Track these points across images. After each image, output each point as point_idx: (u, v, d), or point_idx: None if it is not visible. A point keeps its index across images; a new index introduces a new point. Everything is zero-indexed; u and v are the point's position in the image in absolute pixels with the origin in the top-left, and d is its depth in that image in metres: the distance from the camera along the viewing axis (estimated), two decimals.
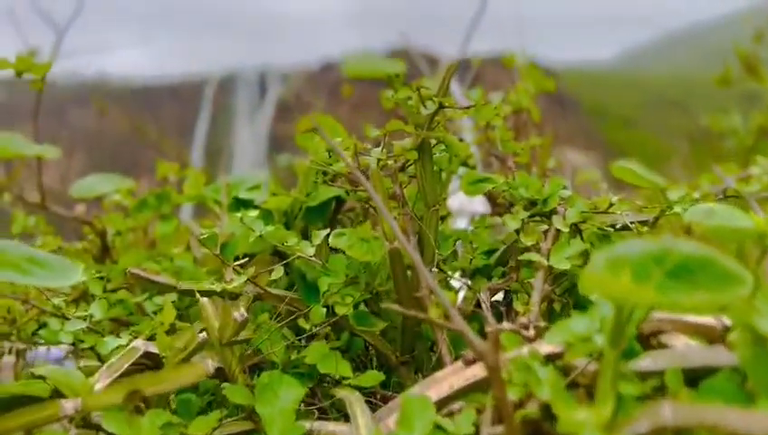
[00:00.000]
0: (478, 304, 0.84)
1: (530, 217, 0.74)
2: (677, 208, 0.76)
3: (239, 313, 0.58)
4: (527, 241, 0.69)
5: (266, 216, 0.91)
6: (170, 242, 1.08)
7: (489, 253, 0.95)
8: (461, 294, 0.94)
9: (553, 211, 0.72)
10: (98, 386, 0.60)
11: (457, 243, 0.96)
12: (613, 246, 0.47)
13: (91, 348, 0.77)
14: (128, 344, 0.70)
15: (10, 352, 0.85)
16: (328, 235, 0.78)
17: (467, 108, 0.72)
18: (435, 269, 0.81)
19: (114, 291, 0.93)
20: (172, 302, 0.90)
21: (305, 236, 1.02)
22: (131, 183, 1.13)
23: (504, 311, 0.81)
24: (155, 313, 0.93)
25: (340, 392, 0.69)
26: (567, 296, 0.84)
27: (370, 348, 0.85)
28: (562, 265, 0.67)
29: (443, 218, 0.93)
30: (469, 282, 0.93)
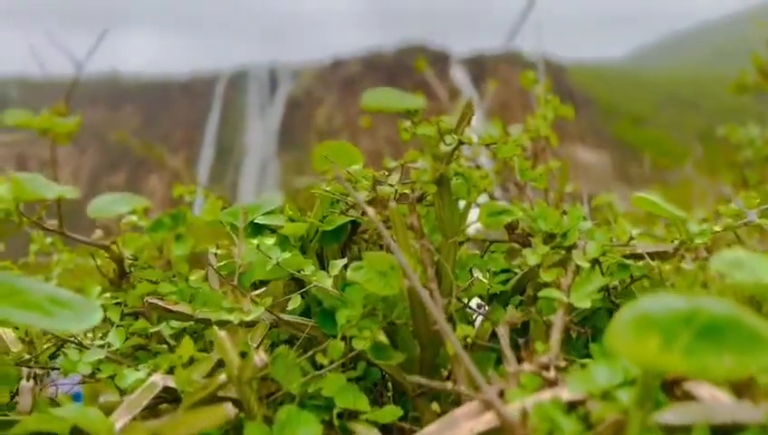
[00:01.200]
0: (495, 333, 0.84)
1: (550, 249, 0.73)
2: (698, 240, 0.75)
3: (259, 357, 0.58)
4: (547, 278, 0.69)
5: (283, 241, 0.91)
6: (186, 261, 1.08)
7: (506, 277, 0.95)
8: (479, 319, 0.93)
9: (573, 246, 0.72)
10: (118, 425, 0.60)
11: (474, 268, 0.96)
12: (639, 303, 0.46)
13: (110, 377, 0.77)
14: (146, 378, 0.70)
15: (28, 377, 0.85)
16: (345, 265, 0.78)
17: (487, 144, 0.71)
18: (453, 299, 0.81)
19: (132, 315, 0.93)
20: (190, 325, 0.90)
21: (321, 257, 1.02)
22: (146, 202, 1.13)
23: (522, 343, 0.80)
24: (172, 337, 0.93)
25: (358, 427, 0.69)
26: (585, 325, 0.84)
27: (387, 377, 0.85)
28: (583, 303, 0.66)
29: (461, 243, 0.92)
30: (486, 307, 0.92)
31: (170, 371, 0.73)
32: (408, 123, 0.72)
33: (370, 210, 0.62)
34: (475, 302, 0.87)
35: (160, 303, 0.79)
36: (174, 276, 1.08)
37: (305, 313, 0.94)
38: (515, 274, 0.94)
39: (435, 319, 0.74)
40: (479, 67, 71.84)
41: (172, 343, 0.93)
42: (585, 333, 0.89)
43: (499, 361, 0.81)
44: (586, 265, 0.69)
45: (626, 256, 0.80)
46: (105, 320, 0.92)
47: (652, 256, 0.80)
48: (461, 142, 0.68)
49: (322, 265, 1.02)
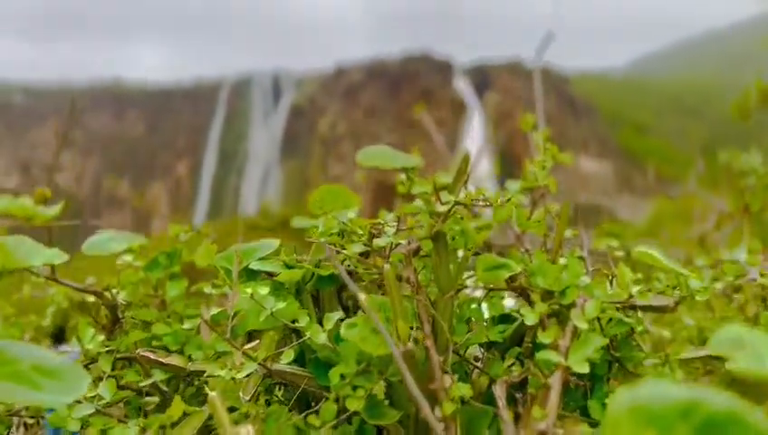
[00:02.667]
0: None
1: (548, 306, 0.72)
2: (698, 298, 0.73)
3: (247, 430, 0.57)
4: (545, 339, 0.67)
5: (278, 287, 0.89)
6: (181, 300, 1.07)
7: (505, 321, 0.93)
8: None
9: (572, 305, 0.70)
10: None
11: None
12: (635, 391, 0.45)
13: (101, 431, 0.76)
14: None
15: (18, 427, 0.84)
16: (342, 319, 0.77)
17: (484, 205, 0.70)
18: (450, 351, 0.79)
19: (125, 359, 0.92)
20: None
21: (317, 300, 1.01)
22: (142, 239, 1.12)
23: (519, 398, 0.79)
24: (164, 382, 0.92)
25: None
26: (583, 376, 0.82)
27: (384, 432, 0.83)
28: (582, 368, 0.65)
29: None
30: (484, 352, 0.91)
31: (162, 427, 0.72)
32: (403, 177, 0.71)
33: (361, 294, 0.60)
34: (472, 351, 0.86)
35: (152, 356, 0.78)
36: (169, 316, 1.07)
37: (300, 356, 0.92)
38: (515, 318, 0.92)
39: (433, 377, 0.73)
40: (482, 76, 72.04)
41: (164, 388, 0.92)
42: (584, 385, 0.87)
43: (495, 416, 0.80)
44: (585, 326, 0.68)
45: (626, 306, 0.79)
46: (96, 366, 0.91)
47: (653, 308, 0.79)
48: (457, 203, 0.67)
49: (318, 306, 1.01)
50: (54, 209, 0.51)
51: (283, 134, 74.74)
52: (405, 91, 65.37)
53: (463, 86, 69.68)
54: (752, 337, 0.52)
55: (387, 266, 0.65)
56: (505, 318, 0.94)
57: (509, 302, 1.03)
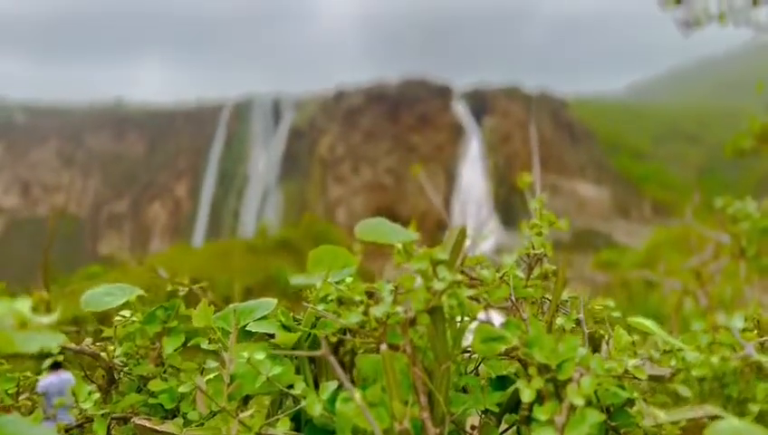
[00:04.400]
0: None
1: (545, 380, 0.72)
2: (695, 373, 0.73)
3: None
4: (541, 415, 0.67)
5: (274, 348, 0.89)
6: (178, 355, 1.07)
7: (501, 383, 0.93)
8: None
9: (568, 380, 0.70)
10: None
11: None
12: None
13: None
14: None
15: None
16: (338, 387, 0.77)
17: (478, 286, 0.71)
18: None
19: (121, 419, 0.92)
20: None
21: (313, 359, 1.00)
22: (139, 291, 1.12)
23: None
24: None
25: None
26: None
27: None
28: None
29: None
30: (481, 418, 0.90)
31: None
32: (400, 248, 0.72)
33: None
34: (469, 423, 0.85)
35: (148, 423, 0.77)
36: (165, 371, 1.06)
37: (296, 417, 0.92)
38: (512, 380, 0.92)
39: None
40: (480, 100, 72.62)
41: None
42: None
43: None
44: (581, 403, 0.68)
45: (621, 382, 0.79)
46: (91, 426, 0.90)
47: (648, 378, 0.79)
48: (454, 283, 0.68)
49: (315, 363, 1.01)
50: (51, 318, 0.51)
51: (282, 156, 75.03)
52: (404, 114, 65.83)
53: (461, 110, 70.18)
54: (748, 431, 0.52)
55: (383, 347, 0.65)
56: (502, 380, 0.94)
57: (497, 319, 1.03)
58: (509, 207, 64.78)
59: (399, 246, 0.76)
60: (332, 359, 0.95)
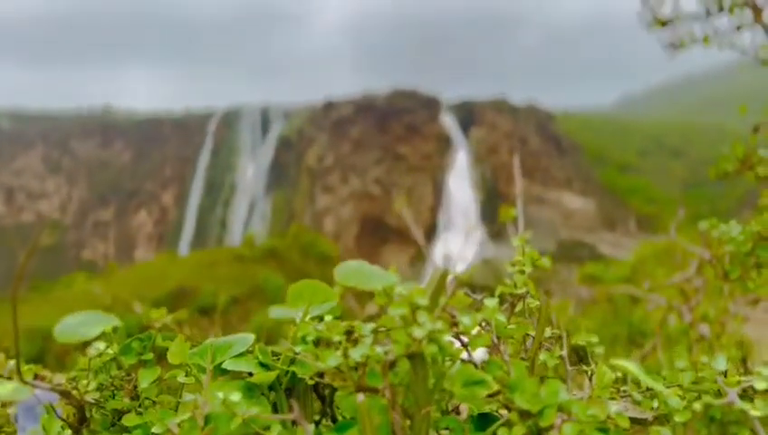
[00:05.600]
0: None
1: (526, 427, 0.71)
2: (677, 419, 0.73)
3: None
4: None
5: (251, 388, 0.87)
6: (154, 389, 1.04)
7: (483, 422, 0.91)
8: None
9: (550, 427, 0.69)
10: None
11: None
12: None
13: None
14: None
15: None
16: (317, 425, 0.75)
17: (460, 337, 0.69)
18: None
19: None
20: None
21: (292, 391, 0.98)
22: (116, 321, 1.09)
23: None
24: None
25: None
26: None
27: None
28: None
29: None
30: None
31: None
32: (381, 291, 0.70)
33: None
34: None
35: None
36: (140, 405, 1.03)
37: None
38: (495, 418, 0.91)
39: None
40: (467, 112, 73.07)
41: None
42: None
43: None
44: None
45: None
46: None
47: (631, 421, 0.78)
48: (435, 330, 0.66)
49: (294, 396, 0.99)
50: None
51: (270, 166, 74.85)
52: (392, 125, 66.05)
53: (449, 121, 70.58)
54: None
55: (361, 397, 0.63)
56: (485, 418, 0.93)
57: (480, 355, 1.01)
58: (496, 218, 64.94)
59: (380, 290, 0.75)
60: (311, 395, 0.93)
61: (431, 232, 61.55)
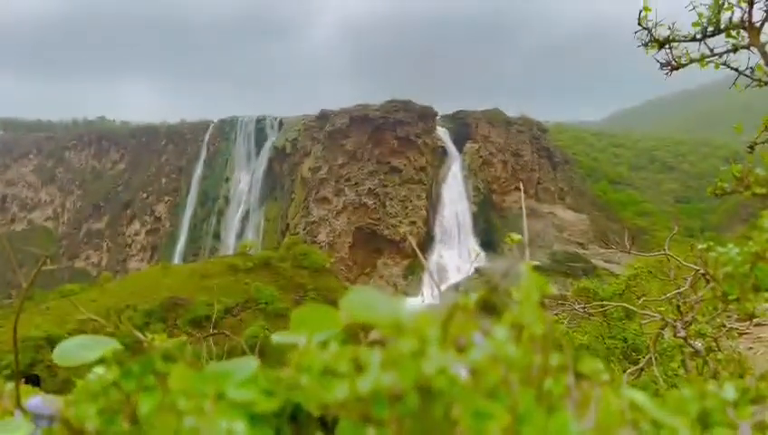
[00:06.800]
0: None
1: None
2: None
3: None
4: None
5: (255, 419, 0.86)
6: (155, 415, 1.03)
7: None
8: None
9: None
10: None
11: None
12: None
13: None
14: None
15: None
16: None
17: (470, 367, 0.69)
18: None
19: None
20: None
21: (295, 419, 0.97)
22: (116, 345, 1.08)
23: None
24: None
25: None
26: None
27: None
28: None
29: None
30: None
31: None
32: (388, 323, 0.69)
33: None
34: None
35: None
36: (141, 430, 1.02)
37: None
38: None
39: None
40: (462, 124, 73.46)
41: None
42: None
43: None
44: None
45: None
46: None
47: None
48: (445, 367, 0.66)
49: (297, 422, 0.97)
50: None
51: (264, 176, 74.81)
52: (387, 136, 66.24)
53: (443, 134, 70.90)
54: None
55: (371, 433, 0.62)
56: None
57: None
58: (489, 229, 65.20)
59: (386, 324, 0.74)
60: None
61: (425, 243, 61.57)
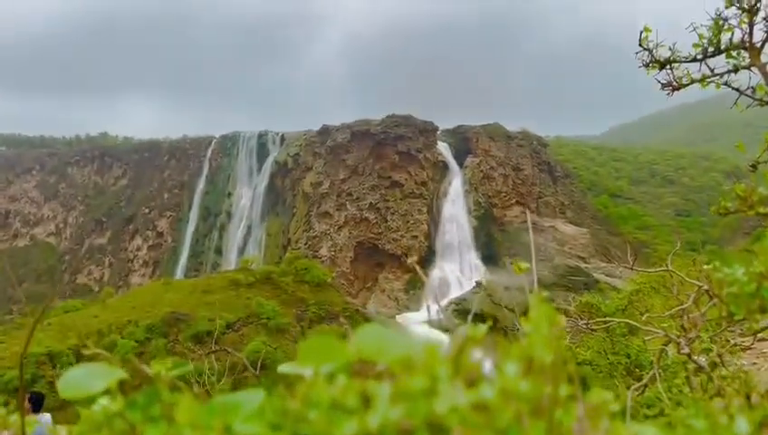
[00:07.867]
0: None
1: None
2: None
3: None
4: None
5: None
6: None
7: None
8: None
9: None
10: None
11: None
12: None
13: None
14: None
15: None
16: None
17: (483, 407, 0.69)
18: None
19: None
20: None
21: None
22: (122, 373, 1.07)
23: None
24: None
25: None
26: None
27: None
28: None
29: None
30: None
31: None
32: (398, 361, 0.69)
33: None
34: None
35: None
36: None
37: None
38: None
39: None
40: (462, 139, 73.63)
41: None
42: None
43: None
44: None
45: None
46: None
47: None
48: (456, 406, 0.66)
49: None
50: None
51: (266, 191, 74.91)
52: (388, 151, 66.42)
53: (444, 148, 71.06)
54: None
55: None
56: None
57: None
58: (490, 243, 65.08)
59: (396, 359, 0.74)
60: None
61: (427, 257, 61.45)
